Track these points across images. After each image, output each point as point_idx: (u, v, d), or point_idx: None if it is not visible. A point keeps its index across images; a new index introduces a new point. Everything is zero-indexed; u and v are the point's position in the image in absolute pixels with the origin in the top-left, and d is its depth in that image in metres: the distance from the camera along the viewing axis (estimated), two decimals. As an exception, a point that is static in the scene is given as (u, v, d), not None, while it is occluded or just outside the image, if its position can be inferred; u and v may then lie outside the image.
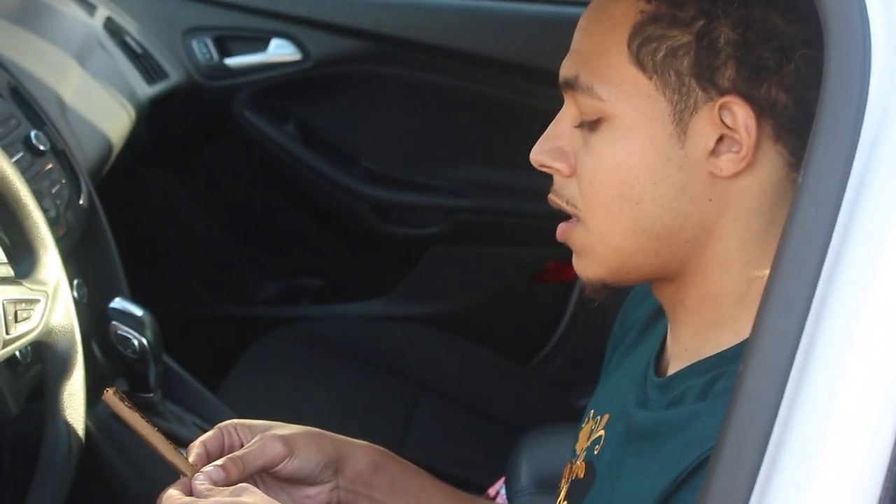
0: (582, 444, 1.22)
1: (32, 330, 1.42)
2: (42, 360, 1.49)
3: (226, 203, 2.97)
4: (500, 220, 2.78)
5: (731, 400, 0.78)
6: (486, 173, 2.77)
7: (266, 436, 1.22)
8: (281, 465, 1.22)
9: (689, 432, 0.98)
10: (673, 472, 0.96)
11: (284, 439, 1.22)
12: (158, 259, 2.89)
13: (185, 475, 1.18)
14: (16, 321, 1.38)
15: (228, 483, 1.17)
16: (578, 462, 1.20)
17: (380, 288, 2.87)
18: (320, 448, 1.26)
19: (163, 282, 2.81)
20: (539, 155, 1.09)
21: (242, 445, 1.22)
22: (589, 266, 1.10)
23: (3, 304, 1.36)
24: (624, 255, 1.07)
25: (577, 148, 1.06)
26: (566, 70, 1.06)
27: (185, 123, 2.80)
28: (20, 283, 1.41)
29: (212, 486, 1.14)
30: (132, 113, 2.39)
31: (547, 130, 1.10)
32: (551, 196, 1.11)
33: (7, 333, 1.37)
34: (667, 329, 1.14)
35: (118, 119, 2.34)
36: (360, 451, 1.30)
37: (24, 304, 1.40)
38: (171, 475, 1.21)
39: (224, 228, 2.99)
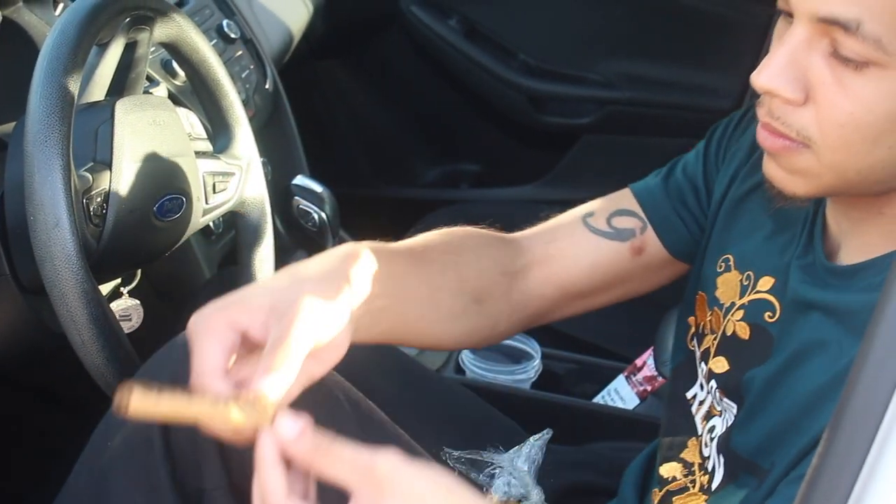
0: (731, 296, 1.17)
1: (228, 200, 1.53)
2: (235, 230, 1.60)
3: (393, 93, 3.05)
4: (648, 112, 2.80)
5: None
6: (636, 67, 2.78)
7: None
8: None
9: None
10: None
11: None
12: (330, 144, 3.01)
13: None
14: (214, 192, 1.50)
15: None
16: (737, 320, 1.15)
17: (533, 174, 2.93)
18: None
19: (334, 165, 2.95)
20: (774, 80, 0.96)
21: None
22: (804, 186, 1.02)
23: (204, 176, 1.47)
24: (850, 184, 1.00)
25: (822, 80, 0.95)
26: (838, 8, 0.91)
27: (356, 18, 2.90)
28: (218, 158, 1.52)
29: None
30: (310, 7, 2.52)
31: (781, 53, 0.96)
32: (769, 121, 1.00)
33: (206, 203, 1.48)
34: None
35: (298, 12, 2.47)
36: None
37: (221, 177, 1.51)
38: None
39: (391, 116, 3.08)
